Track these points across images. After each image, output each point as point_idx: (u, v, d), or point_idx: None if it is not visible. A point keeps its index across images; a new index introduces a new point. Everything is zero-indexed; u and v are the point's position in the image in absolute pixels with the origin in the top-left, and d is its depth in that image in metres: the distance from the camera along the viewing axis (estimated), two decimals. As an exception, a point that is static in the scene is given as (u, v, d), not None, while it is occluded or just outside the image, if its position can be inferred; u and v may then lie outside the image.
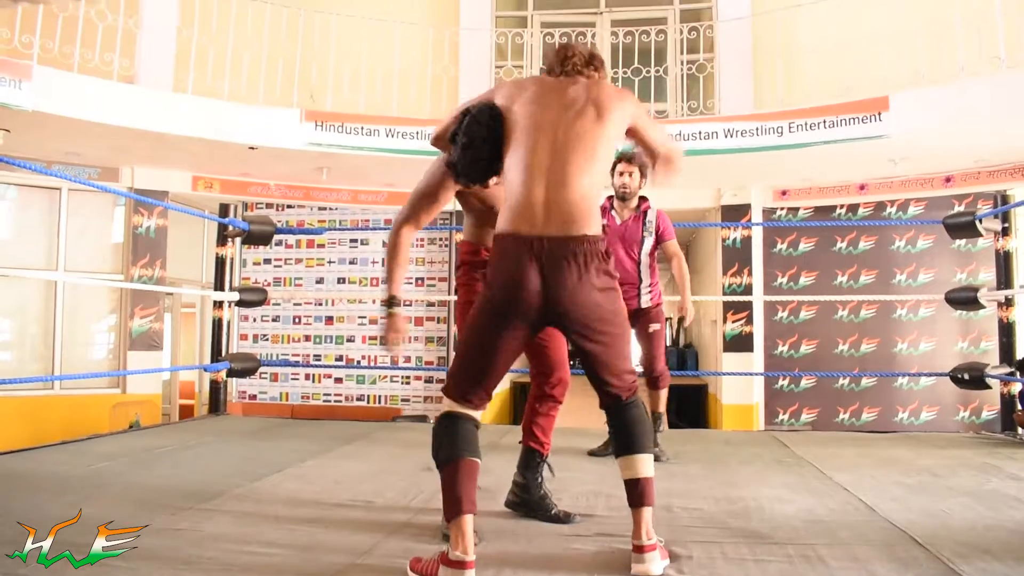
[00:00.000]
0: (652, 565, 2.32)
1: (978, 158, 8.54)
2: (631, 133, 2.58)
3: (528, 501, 3.02)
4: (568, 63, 2.62)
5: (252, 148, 8.46)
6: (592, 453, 4.46)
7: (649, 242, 4.53)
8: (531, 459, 3.07)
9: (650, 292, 4.55)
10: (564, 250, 2.32)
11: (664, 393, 4.59)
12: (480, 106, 2.55)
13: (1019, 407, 5.53)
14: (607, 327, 2.40)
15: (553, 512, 2.97)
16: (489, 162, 2.52)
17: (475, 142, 2.50)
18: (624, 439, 2.44)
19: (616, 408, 2.46)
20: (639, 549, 2.34)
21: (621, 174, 4.50)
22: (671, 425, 9.83)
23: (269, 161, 9.09)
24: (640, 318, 4.52)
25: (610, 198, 4.61)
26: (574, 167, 2.38)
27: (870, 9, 8.41)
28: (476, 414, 2.42)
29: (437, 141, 2.79)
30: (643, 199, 4.60)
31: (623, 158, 4.54)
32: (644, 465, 2.41)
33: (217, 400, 6.33)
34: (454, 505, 2.27)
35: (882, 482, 3.70)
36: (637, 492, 2.39)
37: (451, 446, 2.34)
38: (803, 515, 3.06)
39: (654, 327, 4.54)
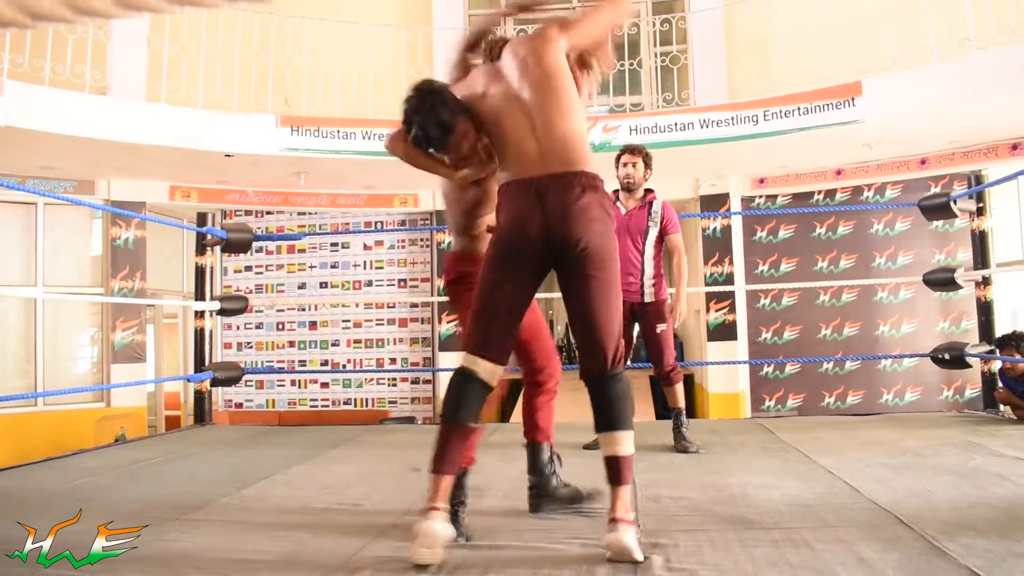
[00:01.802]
0: (625, 535, 2.33)
1: (952, 140, 8.62)
2: (575, 50, 2.67)
3: (545, 496, 3.01)
4: (495, 51, 2.77)
5: (228, 155, 8.43)
6: (587, 447, 4.46)
7: (654, 232, 4.51)
8: (539, 453, 3.07)
9: (654, 285, 4.51)
10: (562, 182, 2.43)
11: (679, 388, 4.58)
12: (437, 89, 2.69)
13: (999, 385, 5.58)
14: (602, 267, 2.44)
15: (571, 496, 2.99)
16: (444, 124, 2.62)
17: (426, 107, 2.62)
18: (605, 414, 2.46)
19: (599, 380, 2.47)
20: (613, 521, 2.36)
21: (625, 164, 4.52)
22: (658, 417, 9.89)
23: (246, 168, 9.06)
24: (644, 315, 4.51)
25: (616, 191, 4.60)
26: (553, 113, 2.49)
27: (840, -5, 8.48)
28: (487, 370, 2.48)
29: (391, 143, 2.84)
30: (649, 191, 4.59)
31: (627, 149, 4.56)
32: (623, 443, 2.43)
33: (202, 410, 6.30)
34: (437, 462, 2.45)
35: (867, 464, 3.73)
36: (614, 470, 2.42)
37: (454, 406, 2.47)
38: (789, 500, 3.08)
39: (661, 327, 4.51)
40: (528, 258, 2.46)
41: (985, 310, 5.82)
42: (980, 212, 5.79)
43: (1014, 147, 8.45)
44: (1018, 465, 3.59)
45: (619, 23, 2.82)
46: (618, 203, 4.56)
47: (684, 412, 4.54)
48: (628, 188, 4.54)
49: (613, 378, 2.47)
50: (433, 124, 2.61)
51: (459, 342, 10.78)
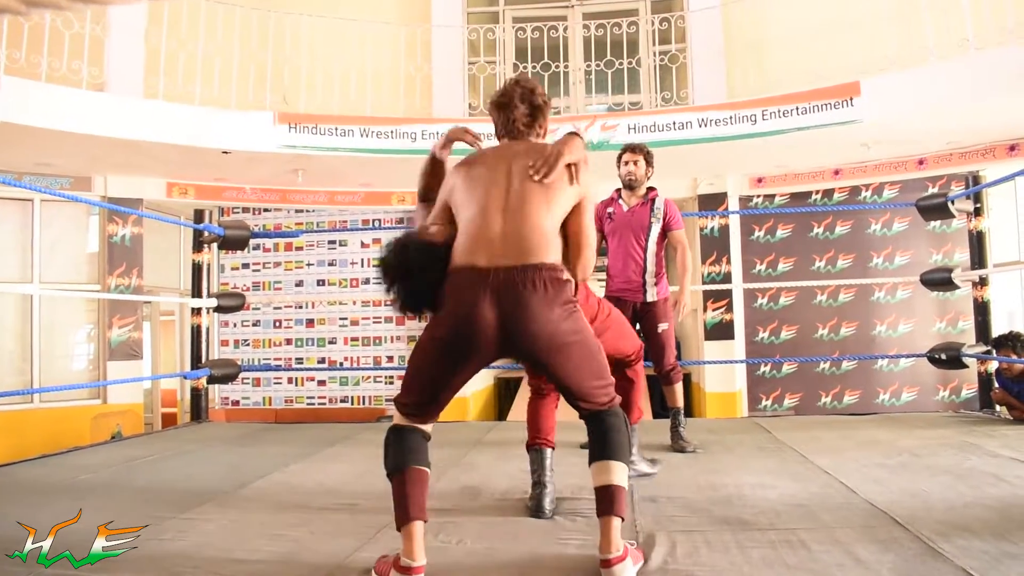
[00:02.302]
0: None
1: (950, 140, 8.62)
2: (572, 211, 2.47)
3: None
4: (512, 125, 2.63)
5: (226, 152, 8.41)
6: (584, 446, 4.45)
7: (656, 229, 4.48)
8: (543, 457, 3.08)
9: (656, 284, 4.50)
10: (520, 277, 2.28)
11: (679, 387, 4.59)
12: (413, 241, 2.47)
13: (996, 385, 5.59)
14: (567, 350, 2.32)
15: (532, 505, 3.00)
16: (427, 293, 2.42)
17: (389, 279, 2.44)
18: (599, 445, 2.37)
19: (594, 416, 2.40)
20: (607, 563, 2.24)
21: (626, 163, 4.52)
22: (655, 415, 9.90)
23: (243, 165, 9.04)
24: (647, 315, 4.51)
25: (618, 189, 4.61)
26: (532, 206, 2.36)
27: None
28: (425, 426, 2.44)
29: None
30: (651, 188, 4.58)
31: (628, 148, 4.56)
32: (617, 473, 2.32)
33: (199, 407, 6.30)
34: (403, 513, 2.29)
35: (863, 464, 3.74)
36: (608, 499, 2.30)
37: (399, 456, 2.36)
38: (785, 500, 3.08)
39: (663, 327, 4.50)
40: (476, 354, 2.33)
41: (982, 310, 5.83)
42: (978, 213, 5.80)
43: (1012, 148, 8.46)
44: (1014, 466, 3.60)
45: (579, 254, 2.53)
46: (620, 200, 4.57)
47: (683, 412, 4.54)
48: (630, 186, 4.54)
49: (607, 414, 2.39)
50: (418, 303, 2.45)
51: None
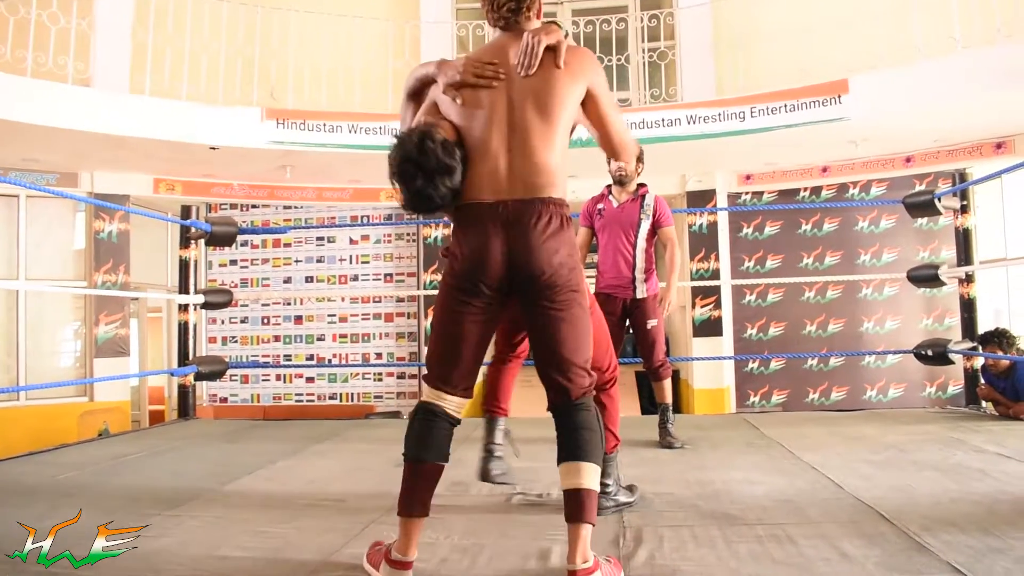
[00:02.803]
0: None
1: (937, 138, 8.66)
2: (586, 104, 2.39)
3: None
4: (498, 12, 2.41)
5: (213, 148, 8.37)
6: None
7: (646, 225, 4.49)
8: (494, 425, 3.15)
9: (646, 281, 4.50)
10: (528, 210, 2.23)
11: (668, 383, 4.60)
12: (407, 135, 2.29)
13: (982, 381, 5.62)
14: (568, 296, 2.25)
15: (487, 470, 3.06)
16: (430, 190, 2.25)
17: (409, 176, 2.25)
18: (568, 444, 2.22)
19: (563, 409, 2.26)
20: (573, 575, 2.10)
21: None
22: (643, 411, 9.90)
23: (231, 161, 9.00)
24: (635, 311, 4.51)
25: (608, 185, 4.61)
26: (537, 138, 2.27)
27: (827, -7, 8.50)
28: (454, 404, 2.30)
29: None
30: (641, 185, 4.58)
31: None
32: (588, 475, 2.17)
33: (186, 404, 6.28)
34: (406, 505, 2.23)
35: (850, 460, 3.75)
36: (576, 504, 2.15)
37: (419, 446, 2.27)
38: (773, 495, 3.09)
39: (652, 323, 4.51)
40: (491, 290, 2.24)
41: (968, 307, 5.87)
42: (964, 210, 5.83)
43: (998, 146, 8.50)
44: (999, 461, 3.62)
45: (618, 155, 2.54)
46: (610, 196, 4.57)
47: (671, 408, 4.54)
48: (620, 182, 4.53)
49: (578, 407, 2.25)
50: (425, 205, 2.28)
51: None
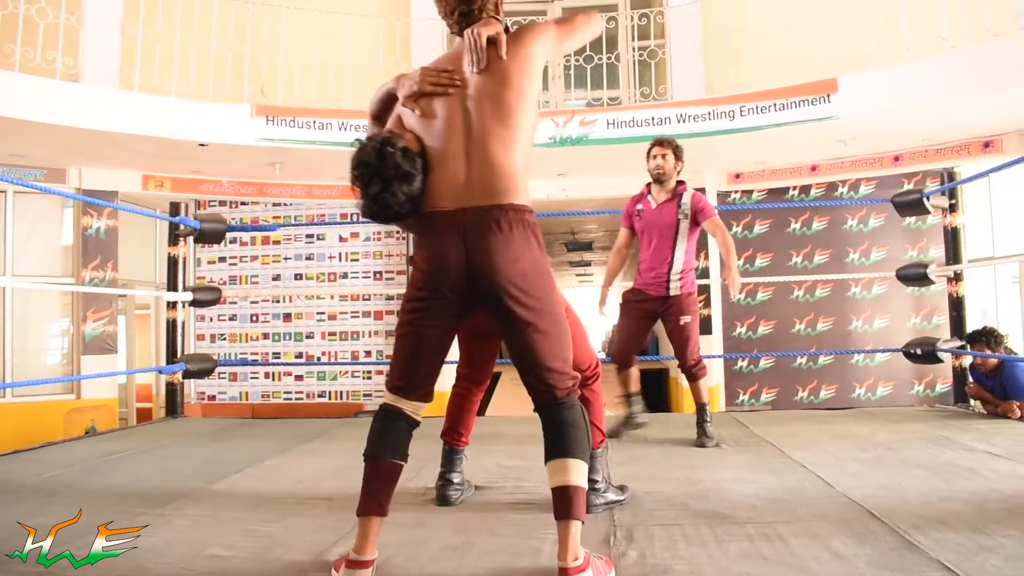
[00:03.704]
0: None
1: (925, 137, 8.70)
2: (553, 54, 2.43)
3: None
4: (452, 19, 2.48)
5: (202, 145, 8.34)
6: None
7: (684, 225, 4.49)
8: (453, 456, 3.18)
9: (680, 279, 4.50)
10: (487, 217, 2.20)
11: (704, 383, 4.57)
12: (367, 141, 2.33)
13: (970, 379, 5.64)
14: (535, 303, 2.21)
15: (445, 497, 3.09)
16: (387, 197, 2.26)
17: (366, 182, 2.28)
18: (554, 442, 2.21)
19: (548, 408, 2.25)
20: (564, 573, 2.07)
21: (655, 156, 4.53)
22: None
23: (220, 158, 8.97)
24: (670, 307, 4.51)
25: (648, 184, 4.62)
26: (495, 142, 2.25)
27: (817, -8, 8.53)
28: (413, 407, 2.33)
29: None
30: (680, 182, 4.59)
31: (656, 142, 4.57)
32: (575, 472, 2.15)
33: (174, 402, 6.24)
34: (362, 504, 2.24)
35: (839, 458, 3.76)
36: (565, 502, 2.13)
37: (376, 443, 2.30)
38: (763, 494, 3.09)
39: (684, 319, 4.49)
40: (452, 299, 2.23)
41: (957, 305, 5.89)
42: (952, 209, 5.85)
43: (986, 145, 8.55)
44: (988, 459, 3.64)
45: (586, 26, 2.52)
46: (649, 196, 4.59)
47: (708, 407, 4.52)
48: (659, 180, 4.54)
49: (561, 405, 2.24)
50: (385, 213, 2.30)
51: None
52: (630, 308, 4.65)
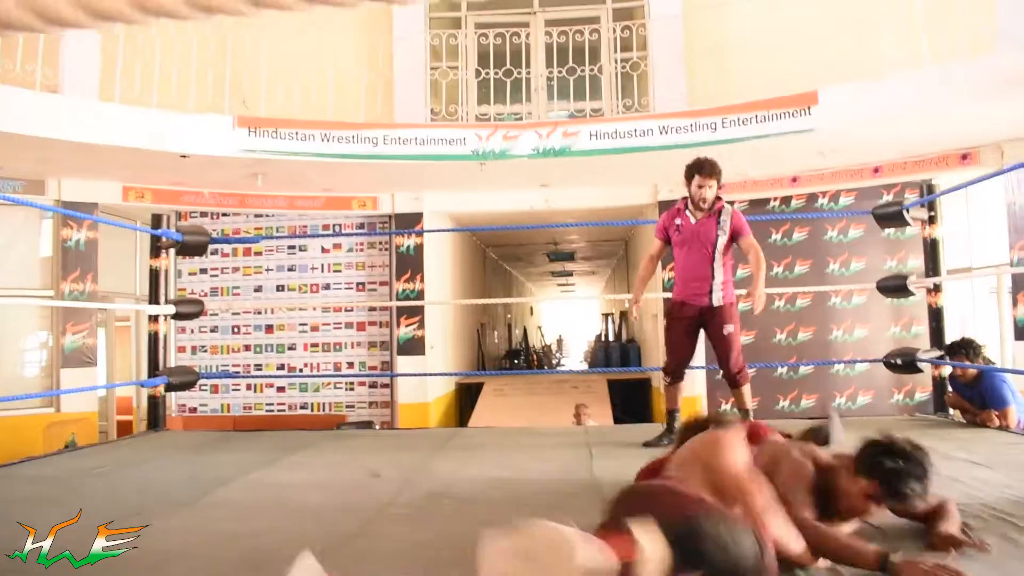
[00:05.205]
0: None
1: (904, 149, 8.78)
2: None
3: None
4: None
5: (184, 156, 8.29)
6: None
7: (722, 240, 4.61)
8: None
9: (722, 290, 4.61)
10: None
11: (747, 389, 4.73)
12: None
13: (949, 389, 5.70)
14: None
15: None
16: None
17: None
18: None
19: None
20: None
21: (700, 187, 4.64)
22: (616, 421, 9.94)
23: (202, 169, 8.93)
24: (713, 318, 4.61)
25: (685, 199, 4.73)
26: None
27: (798, 6, 8.61)
28: None
29: None
30: (717, 199, 4.69)
31: (704, 172, 4.66)
32: None
33: (156, 415, 6.18)
34: None
35: (822, 468, 3.77)
36: None
37: None
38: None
39: (728, 329, 4.60)
40: None
41: (936, 316, 5.94)
42: (932, 221, 5.91)
43: (964, 157, 8.64)
44: (969, 468, 3.67)
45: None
46: (687, 211, 4.70)
47: (751, 413, 4.66)
48: (699, 208, 4.66)
49: None
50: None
51: (417, 345, 10.65)
52: (676, 323, 4.77)
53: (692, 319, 4.65)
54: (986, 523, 2.70)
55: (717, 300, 4.59)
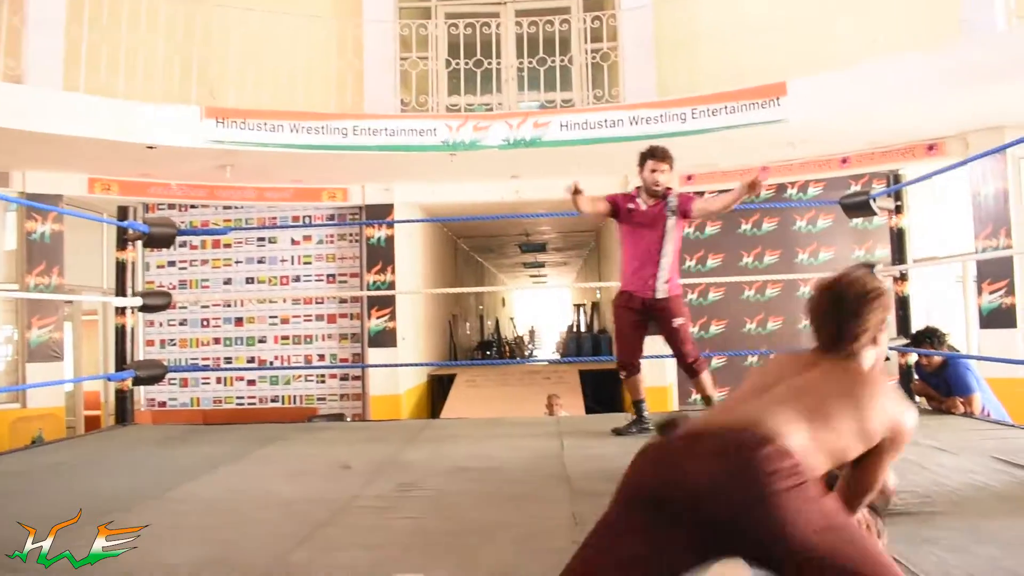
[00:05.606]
0: None
1: (872, 140, 8.88)
2: None
3: None
4: None
5: (151, 147, 8.18)
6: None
7: (672, 221, 4.55)
8: None
9: (668, 281, 4.57)
10: None
11: (706, 376, 4.75)
12: None
13: (915, 377, 5.77)
14: None
15: None
16: None
17: None
18: None
19: None
20: None
21: (653, 171, 4.57)
22: (588, 410, 9.98)
23: (169, 160, 8.82)
24: (661, 311, 4.59)
25: (638, 188, 4.68)
26: None
27: (766, -3, 8.68)
28: None
29: None
30: (668, 188, 4.65)
31: (656, 156, 4.60)
32: None
33: (124, 410, 6.10)
34: None
35: (791, 455, 3.81)
36: None
37: None
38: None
39: (678, 321, 4.59)
40: None
41: (903, 305, 6.01)
42: (898, 210, 5.97)
43: (930, 147, 8.75)
44: (934, 454, 3.73)
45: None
46: (639, 199, 4.63)
47: (714, 400, 4.70)
48: (654, 195, 4.60)
49: None
50: None
51: (388, 337, 10.64)
52: (624, 313, 4.73)
53: (637, 311, 4.62)
54: (950, 508, 2.74)
55: (662, 292, 4.56)
